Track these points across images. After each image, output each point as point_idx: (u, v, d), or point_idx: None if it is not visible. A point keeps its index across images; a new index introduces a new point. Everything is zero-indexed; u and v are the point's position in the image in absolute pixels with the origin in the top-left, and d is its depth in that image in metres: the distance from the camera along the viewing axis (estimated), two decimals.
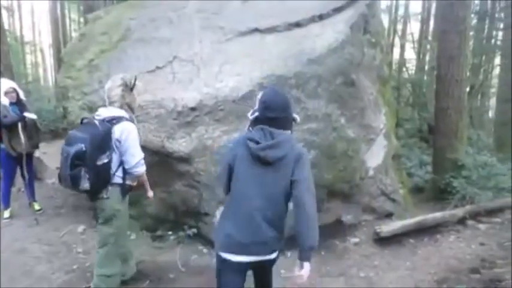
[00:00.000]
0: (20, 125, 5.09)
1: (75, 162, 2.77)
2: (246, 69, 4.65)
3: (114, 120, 2.97)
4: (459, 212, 5.81)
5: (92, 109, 4.95)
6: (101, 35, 5.83)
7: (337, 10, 5.19)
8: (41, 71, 32.41)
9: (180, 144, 4.41)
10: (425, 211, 6.01)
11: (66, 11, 23.94)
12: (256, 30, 5.17)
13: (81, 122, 3.05)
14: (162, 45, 5.43)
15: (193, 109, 4.45)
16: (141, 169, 3.07)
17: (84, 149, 2.77)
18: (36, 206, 5.67)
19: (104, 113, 3.03)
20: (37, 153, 5.76)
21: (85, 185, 2.83)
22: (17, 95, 5.28)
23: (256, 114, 2.41)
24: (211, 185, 4.43)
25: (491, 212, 6.09)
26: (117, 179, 3.05)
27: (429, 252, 4.85)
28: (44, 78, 31.93)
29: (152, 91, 4.66)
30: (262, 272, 2.54)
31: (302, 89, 4.46)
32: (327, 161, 4.45)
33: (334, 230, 4.90)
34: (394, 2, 20.82)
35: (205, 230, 4.61)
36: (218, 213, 4.49)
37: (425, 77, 15.46)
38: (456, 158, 6.88)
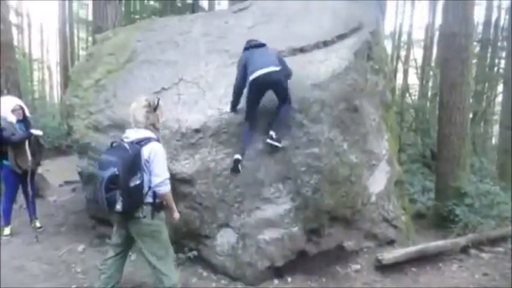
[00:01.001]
0: (26, 142, 5.14)
1: (109, 186, 2.90)
2: None
3: (142, 142, 3.06)
4: (462, 240, 5.75)
5: (97, 128, 5.01)
6: (108, 56, 5.93)
7: (341, 37, 5.29)
8: (47, 88, 32.77)
9: (183, 166, 4.43)
10: (428, 238, 5.96)
11: (75, 30, 24.37)
12: None
13: (111, 145, 3.14)
14: (168, 67, 5.52)
15: (197, 131, 4.49)
16: (165, 189, 3.12)
17: (117, 172, 2.88)
18: (37, 224, 5.65)
19: (132, 135, 3.12)
20: (40, 170, 5.79)
21: (119, 206, 2.94)
22: (23, 112, 5.35)
23: None
24: (213, 207, 4.43)
25: (494, 241, 6.03)
26: (149, 198, 3.12)
27: (431, 281, 4.78)
28: (50, 95, 32.27)
29: None
30: None
31: (305, 113, 4.50)
32: (329, 186, 4.44)
33: (336, 256, 4.85)
34: (398, 28, 21.15)
35: (206, 253, 4.57)
36: (219, 237, 4.47)
37: (428, 103, 15.54)
38: (459, 185, 6.85)
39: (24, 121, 5.33)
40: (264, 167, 4.43)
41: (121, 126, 4.76)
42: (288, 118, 4.44)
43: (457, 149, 7.04)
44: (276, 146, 4.35)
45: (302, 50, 5.23)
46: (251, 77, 4.25)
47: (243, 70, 4.38)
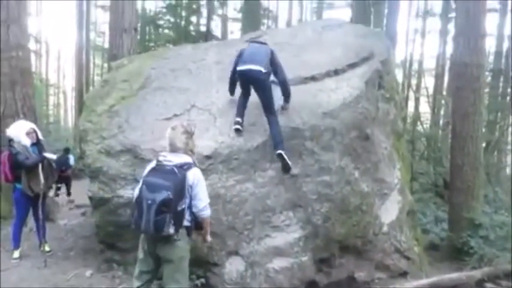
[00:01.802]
0: (40, 165, 5.20)
1: (161, 209, 2.93)
2: (261, 119, 4.74)
3: (185, 166, 3.13)
4: (477, 273, 5.60)
5: (109, 153, 5.05)
6: (122, 82, 6.04)
7: (352, 66, 5.34)
8: (62, 112, 33.44)
9: None
10: (441, 271, 5.81)
11: (91, 57, 25.00)
12: (272, 82, 5.31)
13: (155, 168, 3.17)
14: (181, 93, 5.60)
15: (208, 157, 4.50)
16: (207, 213, 3.24)
17: (170, 196, 2.93)
18: (46, 248, 5.65)
19: (174, 159, 3.17)
20: (51, 194, 5.83)
21: (170, 230, 2.98)
22: (37, 135, 5.44)
23: None
24: (222, 234, 4.39)
25: (509, 275, 5.85)
26: (186, 222, 3.17)
27: None
28: (64, 119, 32.86)
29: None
30: None
31: (316, 141, 4.51)
32: (340, 215, 4.40)
33: (347, 287, 4.74)
34: (408, 57, 21.30)
35: (214, 281, 4.50)
36: (228, 264, 4.41)
37: (440, 132, 15.45)
38: (473, 216, 6.72)
39: (37, 144, 5.40)
40: (274, 194, 4.41)
41: (132, 152, 4.82)
42: (280, 129, 4.43)
43: (470, 179, 6.95)
44: (286, 161, 4.31)
45: (313, 79, 5.28)
46: (237, 69, 4.69)
47: (236, 62, 4.75)
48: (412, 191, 7.37)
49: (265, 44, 4.97)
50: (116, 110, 5.54)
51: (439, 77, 20.36)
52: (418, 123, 15.99)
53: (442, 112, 18.22)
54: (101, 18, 29.25)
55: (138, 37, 11.07)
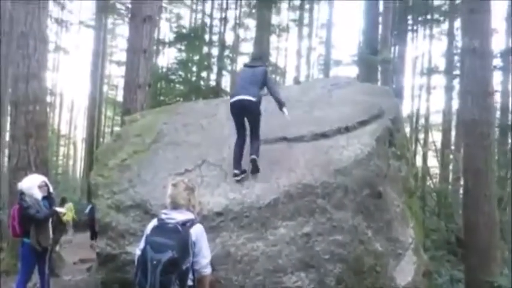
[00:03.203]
0: (50, 219, 5.18)
1: (166, 270, 2.87)
2: (273, 176, 4.73)
3: (188, 223, 3.11)
4: None
5: (119, 208, 5.02)
6: (135, 137, 6.13)
7: (363, 123, 5.38)
8: (71, 162, 33.75)
9: None
10: None
11: (103, 109, 25.64)
12: (284, 139, 5.36)
13: (157, 227, 3.14)
14: (192, 149, 5.64)
15: (218, 214, 4.45)
16: (209, 270, 3.20)
17: (176, 255, 2.88)
18: None
19: (177, 216, 3.14)
20: (57, 248, 5.75)
21: None
22: (48, 189, 5.46)
23: None
24: None
25: None
26: (189, 281, 3.09)
27: None
28: (73, 170, 33.09)
29: None
30: None
31: (328, 199, 4.46)
32: (354, 276, 4.25)
33: None
34: (415, 112, 21.58)
35: None
36: None
37: (449, 187, 15.28)
38: (492, 279, 6.46)
39: (48, 198, 5.41)
40: (285, 253, 4.29)
41: (142, 207, 4.80)
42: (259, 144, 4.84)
43: (486, 239, 6.76)
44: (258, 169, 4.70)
45: (324, 135, 5.31)
46: (230, 101, 4.96)
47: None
48: (424, 248, 7.16)
49: (259, 66, 5.16)
50: (128, 164, 5.58)
51: (446, 132, 20.47)
52: (428, 177, 15.88)
53: (450, 167, 18.13)
54: (114, 72, 30.35)
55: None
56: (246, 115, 4.90)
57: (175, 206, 3.22)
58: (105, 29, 25.25)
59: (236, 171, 4.76)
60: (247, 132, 4.95)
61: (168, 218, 3.14)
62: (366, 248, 4.41)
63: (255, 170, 4.73)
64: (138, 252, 3.16)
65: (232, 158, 4.87)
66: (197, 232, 3.12)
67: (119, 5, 23.29)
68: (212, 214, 4.47)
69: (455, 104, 19.00)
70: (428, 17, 20.33)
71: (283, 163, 4.89)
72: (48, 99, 25.18)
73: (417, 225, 5.82)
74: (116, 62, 29.24)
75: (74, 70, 39.56)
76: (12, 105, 7.58)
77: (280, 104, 5.00)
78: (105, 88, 27.65)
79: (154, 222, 3.22)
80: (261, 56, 5.50)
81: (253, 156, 4.70)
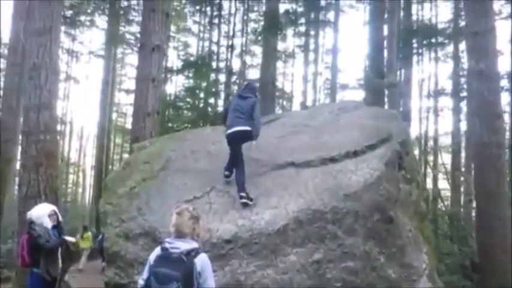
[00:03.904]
0: (59, 249, 5.16)
1: None
2: (282, 202, 4.70)
3: (192, 253, 3.05)
4: None
5: (128, 237, 4.99)
6: (143, 164, 6.16)
7: (371, 147, 5.35)
8: (79, 190, 33.85)
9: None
10: None
11: (112, 136, 25.89)
12: (292, 164, 5.34)
13: (162, 256, 3.09)
14: (200, 175, 5.64)
15: (228, 241, 4.40)
16: None
17: (180, 287, 2.86)
18: None
19: (182, 245, 3.09)
20: (66, 277, 5.71)
21: None
22: (57, 217, 5.46)
23: None
24: None
25: None
26: None
27: None
28: (82, 197, 33.15)
29: None
30: None
31: (339, 224, 4.40)
32: None
33: None
34: (423, 134, 21.46)
35: None
36: None
37: (461, 209, 15.02)
38: None
39: (57, 226, 5.40)
40: (296, 281, 4.21)
41: (151, 235, 4.76)
42: (243, 173, 5.03)
43: (502, 263, 6.59)
44: (247, 203, 4.79)
45: (333, 160, 5.29)
46: (225, 133, 5.29)
47: (225, 113, 5.60)
48: (438, 273, 6.98)
49: (250, 97, 5.42)
50: (137, 192, 5.58)
51: (455, 154, 20.28)
52: (439, 200, 15.64)
53: (462, 189, 17.87)
54: (123, 100, 30.78)
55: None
56: (243, 142, 5.23)
57: (179, 235, 3.17)
58: (115, 58, 25.80)
59: (227, 173, 5.29)
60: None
61: (172, 247, 3.09)
62: (379, 275, 4.31)
63: (246, 204, 4.84)
64: (141, 282, 3.13)
65: (236, 182, 5.06)
66: (202, 262, 3.06)
67: (128, 35, 23.84)
68: (221, 241, 4.42)
69: (463, 126, 18.90)
70: (433, 40, 20.46)
71: (292, 189, 4.86)
72: (58, 127, 25.54)
73: (430, 250, 5.70)
74: (125, 90, 29.74)
75: (83, 99, 40.14)
76: (23, 134, 7.69)
77: (256, 135, 5.31)
78: (114, 116, 28.03)
79: (157, 251, 3.17)
80: (253, 87, 5.79)
81: (242, 201, 4.86)
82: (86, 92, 35.67)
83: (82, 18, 21.60)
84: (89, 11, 20.29)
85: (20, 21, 13.33)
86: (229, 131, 5.23)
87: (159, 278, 2.92)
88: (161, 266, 2.99)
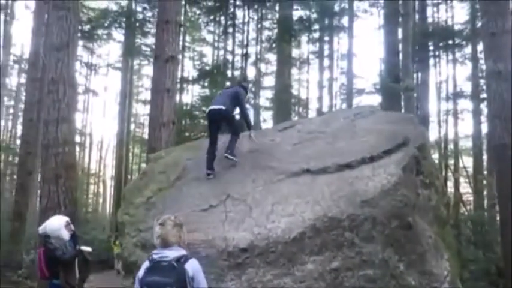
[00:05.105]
0: (76, 259, 5.23)
1: None
2: (298, 209, 4.64)
3: (182, 259, 3.09)
4: None
5: (145, 246, 5.01)
6: (160, 174, 6.21)
7: (388, 152, 5.26)
8: (100, 200, 34.34)
9: None
10: None
11: (131, 147, 26.24)
12: (308, 171, 5.30)
13: (152, 267, 3.11)
14: (216, 184, 5.65)
15: (244, 250, 4.37)
16: None
17: None
18: None
19: (170, 253, 3.12)
20: (85, 286, 5.76)
21: None
22: (72, 227, 5.52)
23: None
24: None
25: None
26: None
27: None
28: (103, 208, 33.61)
29: (204, 230, 4.69)
30: None
31: (356, 231, 4.33)
32: None
33: None
34: (443, 137, 21.08)
35: None
36: None
37: (485, 214, 14.64)
38: None
39: (72, 237, 5.47)
40: None
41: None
42: (236, 141, 5.89)
43: None
44: (233, 159, 5.74)
45: (349, 166, 5.22)
46: (206, 111, 6.01)
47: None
48: (462, 280, 6.80)
49: (235, 87, 6.18)
50: (153, 201, 5.62)
51: (477, 157, 19.84)
52: (461, 205, 15.30)
53: (485, 193, 17.45)
54: (141, 111, 31.23)
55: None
56: (220, 121, 5.89)
57: (166, 244, 3.19)
58: (132, 70, 26.25)
59: (209, 171, 5.69)
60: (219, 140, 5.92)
61: (160, 257, 3.11)
62: (399, 283, 4.22)
63: (233, 162, 5.76)
64: None
65: (206, 160, 5.76)
66: (193, 267, 3.11)
67: (144, 47, 24.23)
68: (237, 250, 4.39)
69: (484, 128, 18.51)
70: (450, 42, 20.15)
71: (308, 196, 4.81)
72: (78, 139, 26.08)
73: (452, 257, 5.55)
74: (142, 101, 30.14)
75: (102, 111, 41.01)
76: (43, 147, 7.86)
77: (248, 126, 6.03)
78: (132, 126, 28.43)
79: (146, 264, 3.18)
80: (239, 81, 6.85)
81: (226, 154, 5.74)
82: (104, 104, 36.45)
83: (99, 32, 22.03)
84: (105, 24, 20.69)
85: (39, 36, 13.71)
86: (209, 108, 5.98)
87: (153, 286, 2.95)
88: (153, 276, 3.02)
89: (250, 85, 21.17)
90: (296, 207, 4.68)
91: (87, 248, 5.45)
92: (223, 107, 5.75)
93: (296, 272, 4.23)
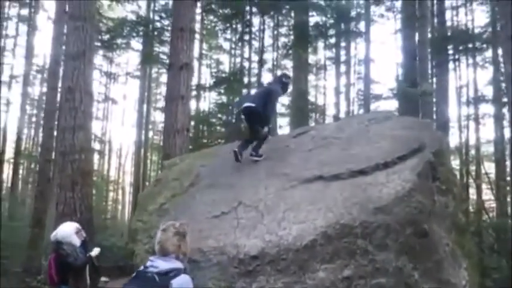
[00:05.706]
0: (87, 266, 5.26)
1: None
2: (310, 216, 4.58)
3: (171, 273, 2.91)
4: None
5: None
6: (173, 181, 6.24)
7: (402, 158, 5.16)
8: (119, 207, 34.78)
9: None
10: None
11: (148, 154, 26.53)
12: (321, 177, 5.23)
13: (136, 275, 3.00)
14: (229, 190, 5.63)
15: (255, 257, 4.33)
16: None
17: None
18: None
19: (162, 264, 2.98)
20: None
21: None
22: (83, 233, 5.56)
23: None
24: None
25: None
26: None
27: None
28: (122, 214, 34.02)
29: (215, 237, 4.68)
30: None
31: (369, 239, 4.24)
32: None
33: None
34: (464, 143, 20.61)
35: None
36: None
37: (510, 221, 14.21)
38: None
39: (83, 244, 5.50)
40: None
41: None
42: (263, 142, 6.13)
43: None
44: (257, 160, 5.99)
45: (362, 172, 5.13)
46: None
47: None
48: None
49: (271, 85, 6.51)
50: (166, 208, 5.65)
51: (500, 163, 19.30)
52: (483, 211, 14.90)
53: (508, 199, 16.96)
54: (159, 119, 31.57)
55: (191, 135, 11.68)
56: (252, 119, 6.11)
57: (163, 252, 3.06)
58: (150, 78, 26.61)
59: (236, 150, 5.95)
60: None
61: (151, 265, 2.97)
62: None
63: (255, 161, 6.02)
64: None
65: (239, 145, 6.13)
66: (181, 284, 2.87)
67: (161, 55, 24.56)
68: (248, 258, 4.35)
69: (507, 133, 18.02)
70: (470, 45, 19.76)
71: (320, 203, 4.74)
72: (98, 146, 26.53)
73: (472, 265, 5.39)
74: (160, 109, 30.47)
75: (121, 118, 41.70)
76: (59, 154, 8.00)
77: (267, 122, 6.04)
78: (150, 134, 28.75)
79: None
80: (279, 76, 6.91)
81: (250, 157, 6.02)
82: (123, 112, 37.00)
83: (118, 41, 22.43)
84: (124, 33, 21.06)
85: (59, 46, 14.03)
86: (242, 106, 6.19)
87: None
88: (132, 285, 2.89)
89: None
90: (308, 214, 4.62)
91: (95, 251, 5.47)
92: (252, 105, 5.96)
93: (307, 280, 4.16)
